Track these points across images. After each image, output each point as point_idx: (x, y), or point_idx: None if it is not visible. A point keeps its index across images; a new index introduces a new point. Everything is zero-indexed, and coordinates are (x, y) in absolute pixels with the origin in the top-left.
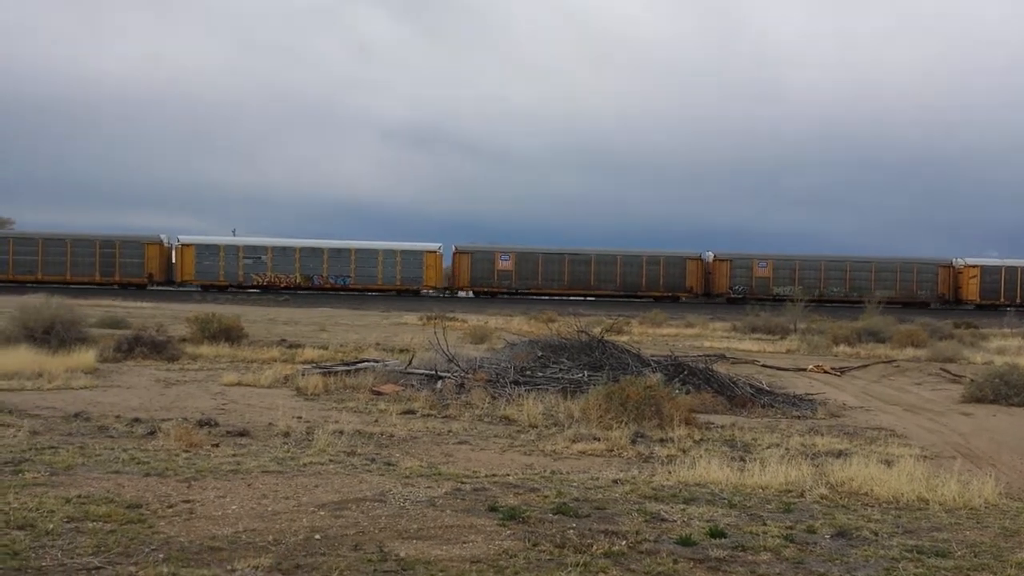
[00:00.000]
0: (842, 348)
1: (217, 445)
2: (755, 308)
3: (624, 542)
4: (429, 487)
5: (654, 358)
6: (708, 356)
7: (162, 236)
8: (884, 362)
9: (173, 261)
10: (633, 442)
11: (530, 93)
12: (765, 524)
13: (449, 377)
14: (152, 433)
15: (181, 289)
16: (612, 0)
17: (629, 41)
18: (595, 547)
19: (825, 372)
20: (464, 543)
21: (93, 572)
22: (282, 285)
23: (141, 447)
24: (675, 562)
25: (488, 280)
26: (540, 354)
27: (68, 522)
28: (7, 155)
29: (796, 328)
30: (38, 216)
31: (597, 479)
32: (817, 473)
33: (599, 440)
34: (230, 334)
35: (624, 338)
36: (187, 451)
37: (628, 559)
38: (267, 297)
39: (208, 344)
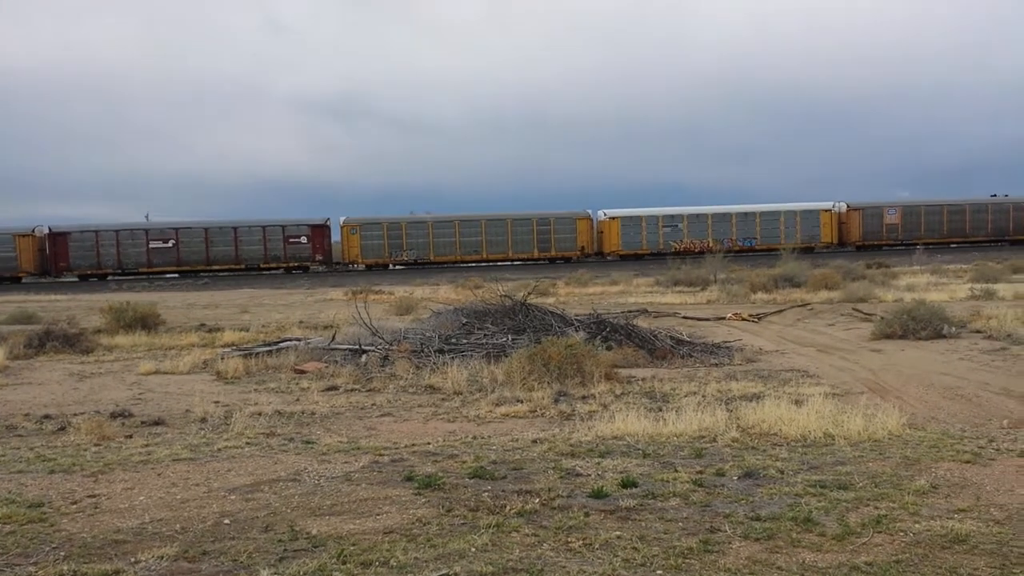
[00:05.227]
0: (760, 295)
1: (130, 436)
2: None
3: (537, 500)
4: (346, 462)
5: (577, 317)
6: (630, 312)
7: (589, 211)
8: (799, 306)
9: (597, 234)
10: (556, 401)
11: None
12: (676, 471)
13: (373, 350)
14: (62, 429)
15: (606, 261)
16: None
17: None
18: (508, 507)
19: (743, 319)
20: (378, 515)
21: None
22: (696, 250)
23: (49, 444)
24: (586, 515)
25: (877, 234)
26: (464, 321)
27: None
28: None
29: (716, 279)
30: None
31: (517, 440)
32: (730, 418)
33: (522, 402)
34: (146, 322)
35: (550, 300)
36: (98, 445)
37: (540, 516)
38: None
39: (124, 334)
